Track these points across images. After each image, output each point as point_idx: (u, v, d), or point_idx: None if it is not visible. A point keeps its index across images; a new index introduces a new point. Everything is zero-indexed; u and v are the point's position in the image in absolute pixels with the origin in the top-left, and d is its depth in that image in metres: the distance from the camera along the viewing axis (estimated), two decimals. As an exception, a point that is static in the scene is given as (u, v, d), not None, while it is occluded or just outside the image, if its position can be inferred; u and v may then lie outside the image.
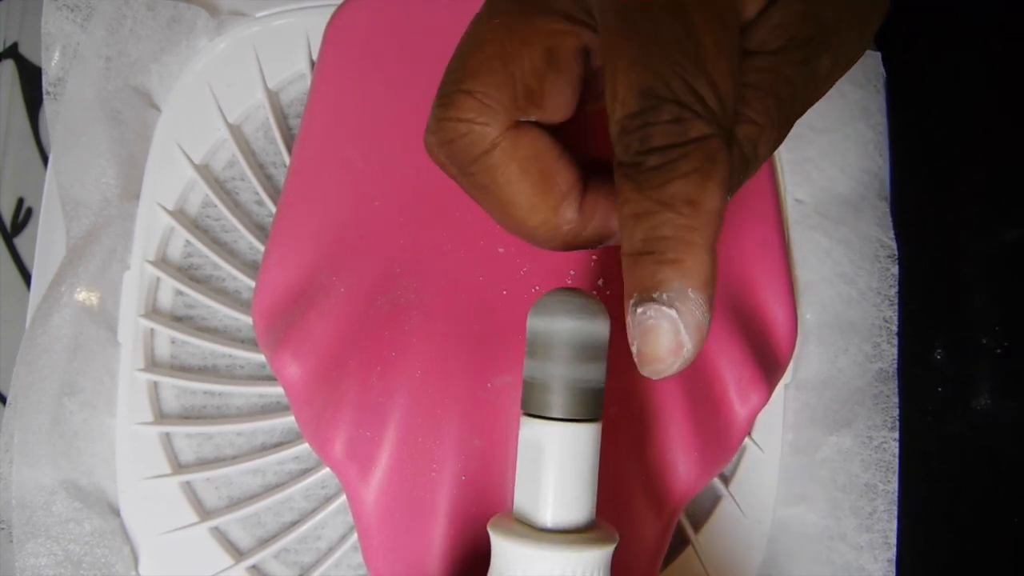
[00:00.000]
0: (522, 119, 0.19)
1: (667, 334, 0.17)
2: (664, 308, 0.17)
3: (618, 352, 0.26)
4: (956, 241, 0.32)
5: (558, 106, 0.19)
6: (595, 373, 0.19)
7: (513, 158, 0.19)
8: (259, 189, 0.31)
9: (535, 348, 0.19)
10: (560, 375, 0.18)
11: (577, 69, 0.19)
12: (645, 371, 0.17)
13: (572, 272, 0.27)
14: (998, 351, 0.30)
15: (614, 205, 0.20)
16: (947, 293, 0.31)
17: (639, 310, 0.17)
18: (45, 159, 0.38)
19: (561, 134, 0.20)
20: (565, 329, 0.18)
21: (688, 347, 0.17)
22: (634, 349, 0.17)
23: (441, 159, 0.21)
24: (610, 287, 0.27)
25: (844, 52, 0.19)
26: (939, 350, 0.31)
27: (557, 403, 0.18)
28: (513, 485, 0.25)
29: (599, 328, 0.18)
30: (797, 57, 0.18)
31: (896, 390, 0.30)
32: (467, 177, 0.20)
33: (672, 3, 0.17)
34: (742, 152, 0.18)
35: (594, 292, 0.27)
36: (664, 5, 0.17)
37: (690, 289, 0.17)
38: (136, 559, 0.29)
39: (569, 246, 0.20)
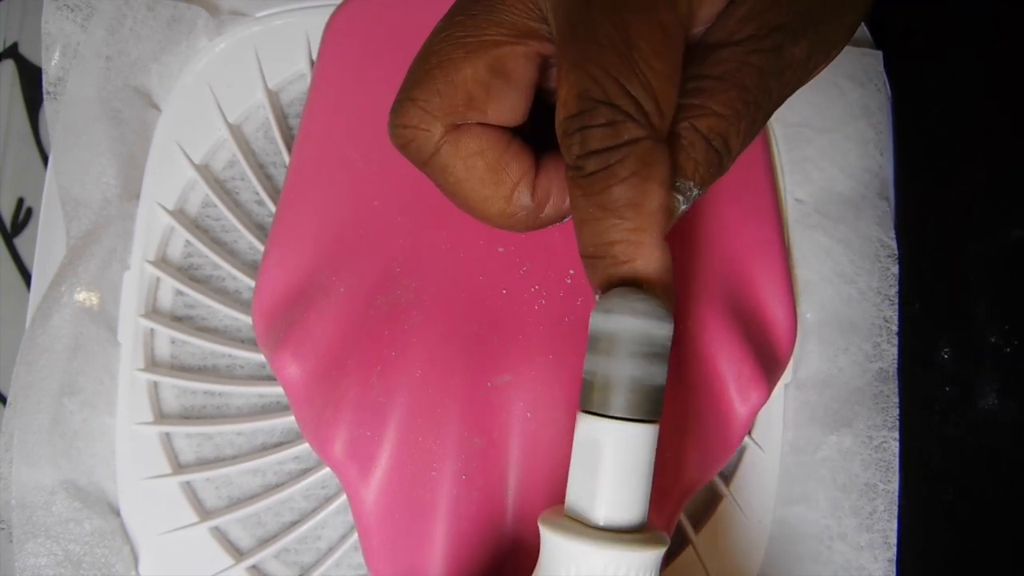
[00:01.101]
0: (461, 123, 0.20)
1: None
2: None
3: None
4: (958, 240, 0.32)
5: (503, 110, 0.21)
6: (658, 374, 0.19)
7: (457, 156, 0.20)
8: (259, 189, 0.31)
9: (599, 344, 0.19)
10: (624, 374, 0.18)
11: (529, 76, 0.21)
12: None
13: (572, 272, 0.27)
14: (1007, 350, 0.30)
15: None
16: (950, 293, 0.31)
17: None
18: (45, 159, 0.38)
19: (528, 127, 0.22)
20: (632, 328, 0.18)
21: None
22: None
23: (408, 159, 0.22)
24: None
25: (824, 38, 0.20)
26: (945, 349, 0.31)
27: (619, 402, 0.18)
28: (514, 485, 0.25)
29: (665, 330, 0.18)
30: (767, 45, 0.19)
31: (896, 389, 0.30)
32: (427, 175, 0.22)
33: (609, 7, 0.18)
34: (710, 146, 0.19)
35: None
36: (602, 8, 0.18)
37: (644, 284, 0.18)
38: (136, 559, 0.29)
39: (531, 227, 0.22)
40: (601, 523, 0.18)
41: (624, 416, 0.18)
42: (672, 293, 0.19)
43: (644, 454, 0.19)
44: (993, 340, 0.30)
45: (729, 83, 0.19)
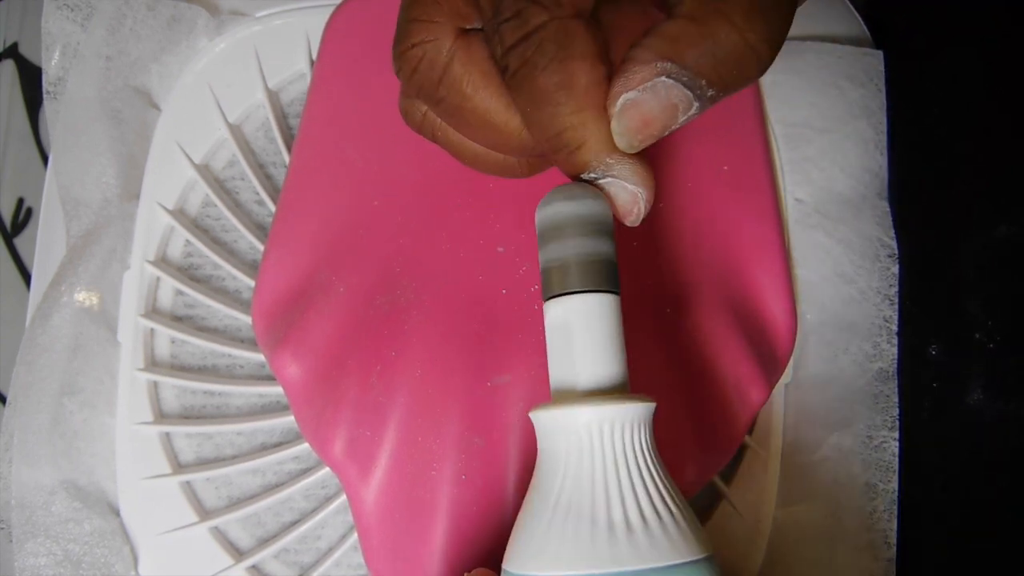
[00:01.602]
0: (468, 27, 0.20)
1: (617, 195, 0.19)
2: (601, 182, 0.19)
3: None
4: (952, 238, 0.32)
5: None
6: (606, 247, 0.20)
7: (472, 62, 0.19)
8: (259, 189, 0.31)
9: (547, 235, 0.20)
10: (575, 251, 0.19)
11: None
12: (627, 221, 0.19)
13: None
14: (991, 346, 0.30)
15: None
16: (943, 291, 0.31)
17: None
18: (45, 159, 0.38)
19: None
20: (572, 210, 0.19)
21: (641, 192, 0.19)
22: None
23: (416, 120, 0.21)
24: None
25: None
26: (934, 346, 0.31)
27: (575, 279, 0.19)
28: (513, 485, 0.25)
29: (601, 206, 0.19)
30: None
31: (896, 389, 0.30)
32: (440, 105, 0.20)
33: None
34: (742, 38, 0.17)
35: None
36: None
37: (606, 156, 0.18)
38: (136, 559, 0.29)
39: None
40: (583, 388, 0.19)
41: (584, 288, 0.19)
42: (641, 162, 0.18)
43: (611, 319, 0.19)
44: (978, 336, 0.30)
45: None
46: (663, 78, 0.17)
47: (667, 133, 0.18)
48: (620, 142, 0.18)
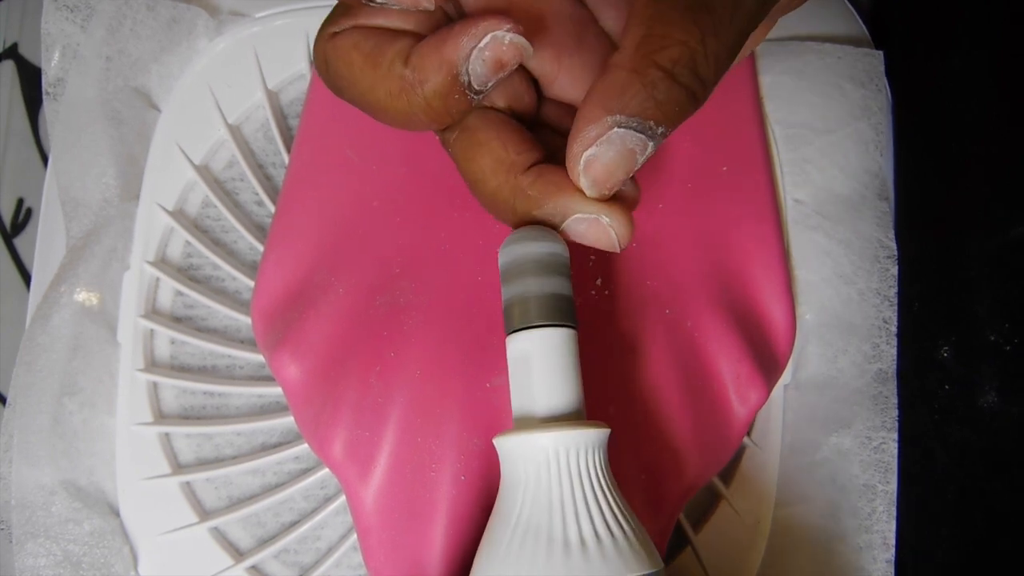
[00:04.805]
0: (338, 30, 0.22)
1: (598, 233, 0.20)
2: (567, 223, 0.20)
3: (617, 353, 0.26)
4: (960, 239, 0.32)
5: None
6: (563, 285, 0.21)
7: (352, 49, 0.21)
8: (259, 189, 0.31)
9: (509, 274, 0.21)
10: (535, 289, 0.21)
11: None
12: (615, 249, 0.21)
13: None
14: (1007, 348, 0.30)
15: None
16: (951, 292, 0.31)
17: (573, 226, 0.20)
18: (45, 159, 0.38)
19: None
20: (532, 251, 0.20)
21: (616, 225, 0.20)
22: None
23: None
24: (608, 287, 0.27)
25: None
26: (945, 348, 0.31)
27: (535, 312, 0.20)
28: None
29: (559, 247, 0.21)
30: None
31: (895, 390, 0.30)
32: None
33: None
34: (675, 82, 0.18)
35: (592, 292, 0.27)
36: None
37: (587, 207, 0.20)
38: (136, 559, 0.29)
39: (433, 115, 0.21)
40: (541, 415, 0.20)
41: (543, 323, 0.20)
42: (613, 205, 0.20)
43: (568, 353, 0.21)
44: (993, 339, 0.30)
45: (684, 7, 0.18)
46: (616, 129, 0.18)
47: (632, 174, 0.19)
48: (592, 193, 0.20)
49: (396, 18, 0.21)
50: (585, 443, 0.20)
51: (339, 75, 0.21)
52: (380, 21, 0.21)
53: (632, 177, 0.20)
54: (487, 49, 0.19)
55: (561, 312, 0.21)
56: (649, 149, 0.19)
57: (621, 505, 0.20)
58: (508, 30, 0.19)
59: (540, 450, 0.20)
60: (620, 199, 0.20)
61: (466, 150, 0.21)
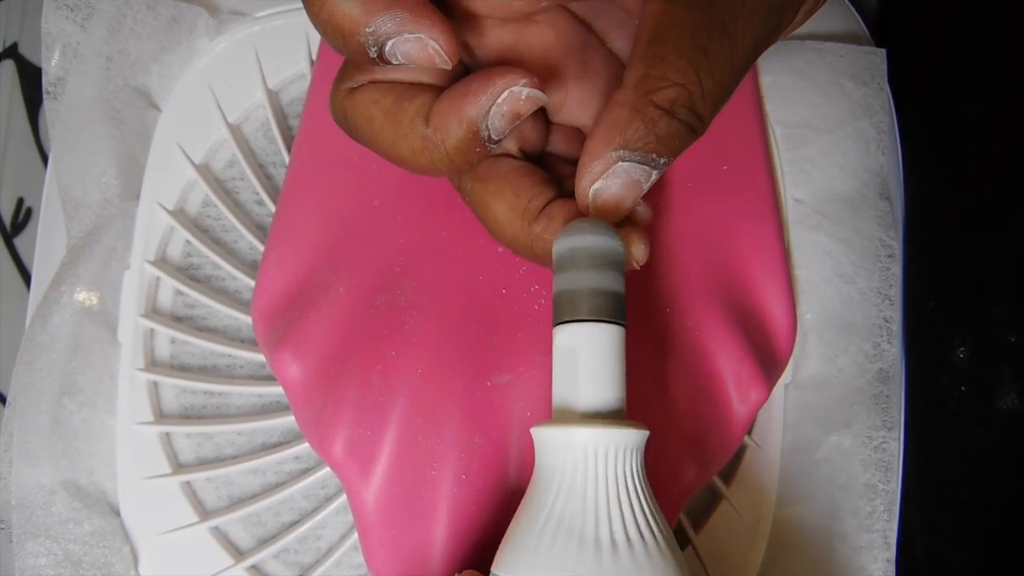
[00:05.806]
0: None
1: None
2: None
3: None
4: (974, 239, 0.31)
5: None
6: (616, 281, 0.21)
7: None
8: (259, 189, 0.31)
9: (563, 264, 0.21)
10: (587, 282, 0.20)
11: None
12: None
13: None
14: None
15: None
16: (965, 292, 0.31)
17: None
18: (45, 159, 0.38)
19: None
20: (590, 243, 0.20)
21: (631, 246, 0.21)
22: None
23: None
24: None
25: None
26: (961, 349, 0.31)
27: (586, 307, 0.20)
28: (513, 485, 0.25)
29: (615, 242, 0.21)
30: (702, 1, 0.19)
31: (897, 390, 0.30)
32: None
33: None
34: (673, 119, 0.19)
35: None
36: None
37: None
38: (136, 559, 0.29)
39: (454, 163, 0.21)
40: (582, 410, 0.20)
41: (593, 318, 0.20)
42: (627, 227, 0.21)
43: (615, 349, 0.21)
44: (1013, 340, 0.30)
45: (679, 48, 0.19)
46: (620, 163, 0.20)
47: (639, 200, 0.21)
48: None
49: (413, 72, 0.21)
50: (625, 443, 0.20)
51: (359, 130, 0.22)
52: (397, 76, 0.21)
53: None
54: (505, 104, 0.20)
55: (612, 309, 0.21)
56: (653, 177, 0.20)
57: (655, 510, 0.20)
58: (524, 84, 0.19)
59: (579, 446, 0.20)
60: (632, 221, 0.21)
61: (481, 201, 0.22)
